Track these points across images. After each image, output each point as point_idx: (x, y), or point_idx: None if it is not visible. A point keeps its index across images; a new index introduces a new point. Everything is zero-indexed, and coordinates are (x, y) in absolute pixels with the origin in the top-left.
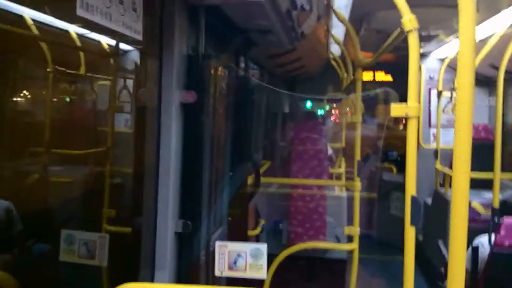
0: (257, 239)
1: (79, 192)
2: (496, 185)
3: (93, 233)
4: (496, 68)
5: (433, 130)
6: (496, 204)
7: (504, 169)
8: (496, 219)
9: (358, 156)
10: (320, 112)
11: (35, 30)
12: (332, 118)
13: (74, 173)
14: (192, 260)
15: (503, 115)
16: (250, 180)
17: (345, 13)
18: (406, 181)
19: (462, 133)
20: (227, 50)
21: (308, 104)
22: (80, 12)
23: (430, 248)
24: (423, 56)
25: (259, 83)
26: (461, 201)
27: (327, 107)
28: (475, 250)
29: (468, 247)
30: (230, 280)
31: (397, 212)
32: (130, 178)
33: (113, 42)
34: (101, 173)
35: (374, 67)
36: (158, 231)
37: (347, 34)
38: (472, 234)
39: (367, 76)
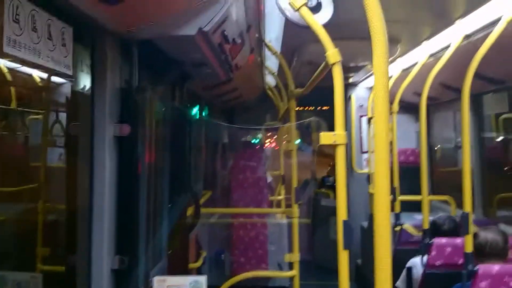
0: (199, 271)
1: (11, 232)
2: (425, 207)
3: (25, 273)
4: (420, 95)
5: (365, 156)
6: (426, 226)
7: (434, 190)
8: (427, 240)
9: (295, 183)
10: (256, 140)
11: None
12: (269, 146)
13: (6, 212)
14: None
15: (431, 139)
16: (190, 211)
17: (277, 45)
18: (337, 206)
19: (380, 158)
20: (163, 82)
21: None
22: (7, 49)
23: (369, 271)
24: (353, 85)
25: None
26: (383, 219)
27: (263, 136)
28: (409, 271)
29: (403, 269)
30: None
31: (336, 236)
32: (64, 215)
33: (45, 76)
34: (35, 211)
35: (312, 98)
36: (93, 268)
37: (281, 65)
38: (406, 255)
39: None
